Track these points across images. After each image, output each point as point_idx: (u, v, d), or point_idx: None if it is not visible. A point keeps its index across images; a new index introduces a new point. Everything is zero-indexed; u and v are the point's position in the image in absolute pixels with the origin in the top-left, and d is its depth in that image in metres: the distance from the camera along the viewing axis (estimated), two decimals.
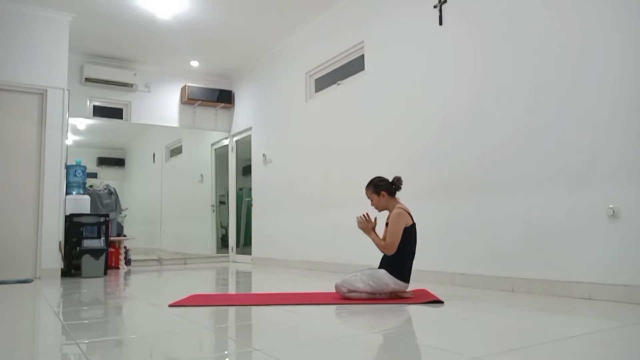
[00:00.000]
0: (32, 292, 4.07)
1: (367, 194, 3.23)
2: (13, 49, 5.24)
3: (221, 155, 8.20)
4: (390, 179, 3.20)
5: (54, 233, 5.25)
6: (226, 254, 7.90)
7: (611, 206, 2.86)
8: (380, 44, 4.82)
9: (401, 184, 3.19)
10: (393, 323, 2.42)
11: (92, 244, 5.40)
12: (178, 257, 7.50)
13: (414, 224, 3.10)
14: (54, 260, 5.21)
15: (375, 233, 3.10)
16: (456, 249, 3.86)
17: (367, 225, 3.11)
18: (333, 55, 5.52)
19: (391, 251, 3.02)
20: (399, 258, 3.04)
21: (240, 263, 7.32)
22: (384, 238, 3.07)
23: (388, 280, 3.00)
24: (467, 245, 3.77)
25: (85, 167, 6.04)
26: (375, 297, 3.02)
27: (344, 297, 3.01)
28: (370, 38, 4.95)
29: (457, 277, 3.81)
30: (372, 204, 3.21)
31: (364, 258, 4.16)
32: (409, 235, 3.07)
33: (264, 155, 6.87)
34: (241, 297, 3.52)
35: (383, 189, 3.16)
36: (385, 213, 3.23)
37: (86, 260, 5.30)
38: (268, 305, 2.94)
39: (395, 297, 3.04)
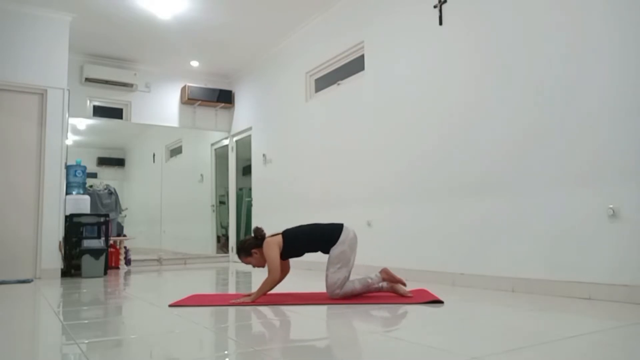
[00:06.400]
0: (32, 292, 4.07)
1: (243, 262, 3.26)
2: (13, 49, 5.24)
3: (221, 155, 8.20)
4: (253, 234, 3.25)
5: (54, 233, 5.25)
6: (226, 254, 7.91)
7: (611, 206, 2.86)
8: (380, 44, 4.82)
9: (262, 233, 3.22)
10: (393, 323, 2.42)
11: (92, 244, 5.40)
12: (178, 257, 7.50)
13: (286, 235, 3.16)
14: (54, 260, 5.21)
15: (257, 290, 3.07)
16: (456, 249, 3.86)
17: (251, 298, 3.06)
18: (333, 55, 5.52)
19: (276, 276, 3.06)
20: (312, 241, 3.14)
21: (240, 263, 7.31)
22: (269, 269, 3.09)
23: (339, 248, 3.04)
24: (467, 245, 3.77)
25: (85, 167, 6.04)
26: (369, 285, 3.05)
27: (342, 297, 3.04)
28: (370, 38, 4.95)
29: (457, 277, 3.81)
30: (254, 266, 3.24)
31: (364, 258, 4.17)
32: (294, 238, 3.15)
33: (264, 155, 6.87)
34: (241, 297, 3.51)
35: (252, 247, 3.20)
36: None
37: (86, 260, 5.29)
38: (268, 305, 2.94)
39: (392, 292, 3.06)
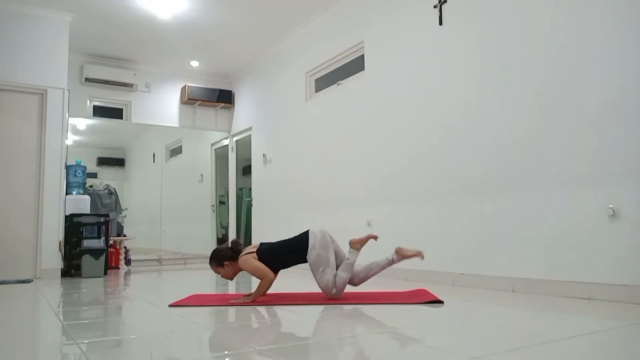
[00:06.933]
0: (32, 292, 4.07)
1: (213, 270, 3.25)
2: (13, 49, 5.24)
3: (221, 155, 8.20)
4: (229, 245, 3.24)
5: (54, 233, 5.25)
6: None
7: (611, 206, 2.86)
8: (380, 44, 4.82)
9: (238, 246, 3.22)
10: (393, 323, 2.42)
11: (92, 244, 5.40)
12: (178, 257, 7.50)
13: (260, 252, 3.13)
14: (54, 260, 5.21)
15: (256, 291, 3.08)
16: (456, 249, 3.86)
17: (250, 298, 3.08)
18: (333, 55, 5.52)
19: (269, 276, 3.06)
20: (285, 256, 3.13)
21: None
22: (260, 278, 3.08)
23: (313, 253, 3.02)
24: (467, 245, 3.77)
25: (85, 167, 6.04)
26: (351, 265, 3.05)
27: (342, 297, 3.04)
28: (370, 38, 4.95)
29: (457, 277, 3.81)
30: (222, 276, 3.24)
31: (364, 258, 4.16)
32: (268, 255, 3.12)
33: (264, 155, 6.87)
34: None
35: (225, 259, 3.19)
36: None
37: (86, 260, 5.30)
38: (267, 305, 2.94)
39: (404, 259, 3.07)
